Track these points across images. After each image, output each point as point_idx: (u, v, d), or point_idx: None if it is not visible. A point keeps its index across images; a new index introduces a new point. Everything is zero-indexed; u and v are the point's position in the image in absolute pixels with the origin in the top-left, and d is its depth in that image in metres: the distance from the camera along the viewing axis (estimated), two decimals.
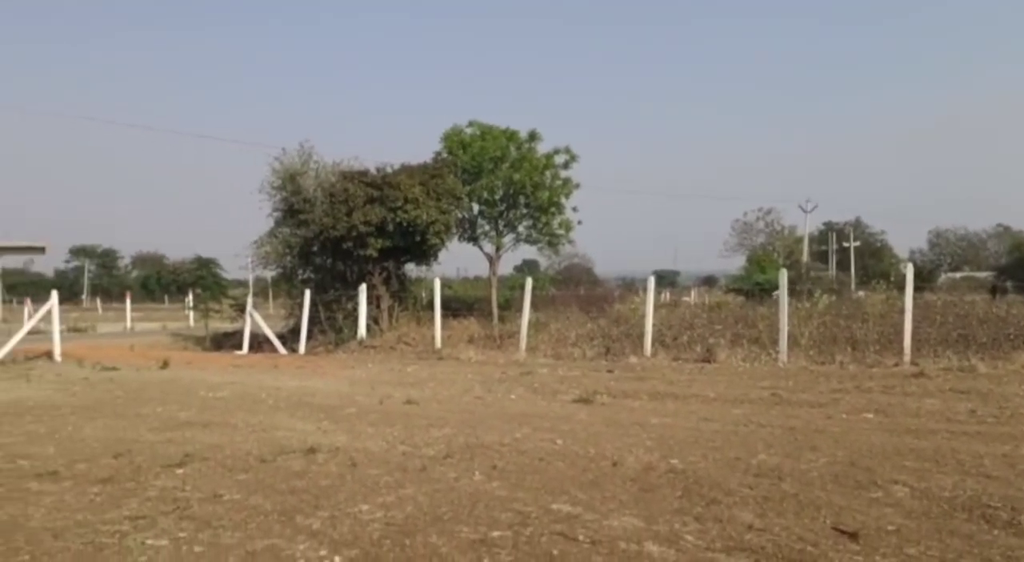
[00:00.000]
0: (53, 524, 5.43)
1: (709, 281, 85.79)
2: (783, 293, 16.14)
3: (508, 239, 25.40)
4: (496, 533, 5.17)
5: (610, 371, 14.76)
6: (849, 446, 7.75)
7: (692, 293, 51.26)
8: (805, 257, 65.74)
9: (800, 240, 70.57)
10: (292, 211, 22.16)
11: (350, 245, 21.11)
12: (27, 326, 19.47)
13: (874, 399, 10.90)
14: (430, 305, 20.60)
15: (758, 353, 16.05)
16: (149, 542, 5.03)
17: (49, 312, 18.62)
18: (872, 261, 78.61)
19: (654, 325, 17.35)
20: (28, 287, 65.38)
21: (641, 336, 17.26)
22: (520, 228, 25.24)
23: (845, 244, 77.10)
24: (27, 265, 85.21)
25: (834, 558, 4.64)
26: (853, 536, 5.01)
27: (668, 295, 45.18)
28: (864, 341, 16.09)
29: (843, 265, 74.21)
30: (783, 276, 16.79)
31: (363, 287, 20.78)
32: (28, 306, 34.29)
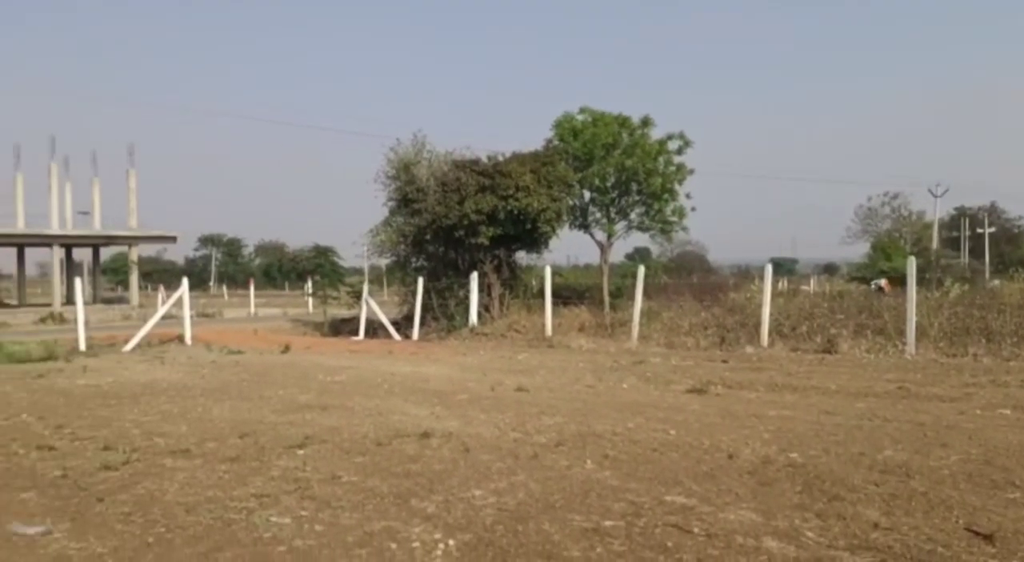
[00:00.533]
0: (186, 499, 5.71)
1: (829, 269, 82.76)
2: (911, 281, 15.38)
3: (620, 226, 25.14)
4: (609, 522, 5.12)
5: (725, 361, 14.43)
6: (984, 443, 7.31)
7: (811, 281, 49.56)
8: (935, 244, 62.47)
9: (929, 226, 67.20)
10: (406, 200, 22.58)
11: (462, 233, 21.36)
12: (160, 312, 20.56)
13: (1011, 394, 10.25)
14: (540, 293, 20.62)
15: (883, 344, 15.36)
16: (273, 519, 5.22)
17: (180, 298, 19.63)
18: (1009, 248, 74.09)
19: (771, 314, 16.85)
20: (161, 274, 69.24)
21: (757, 326, 16.80)
22: (632, 215, 24.93)
23: (979, 230, 72.89)
24: (160, 253, 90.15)
25: (967, 561, 4.38)
26: (988, 538, 4.72)
27: (786, 283, 43.79)
28: (1000, 333, 15.16)
29: (976, 253, 70.25)
30: (911, 264, 16.02)
31: (474, 275, 21.01)
32: (161, 292, 36.26)
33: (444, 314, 21.65)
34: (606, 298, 24.09)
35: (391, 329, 21.26)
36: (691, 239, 69.58)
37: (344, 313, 27.03)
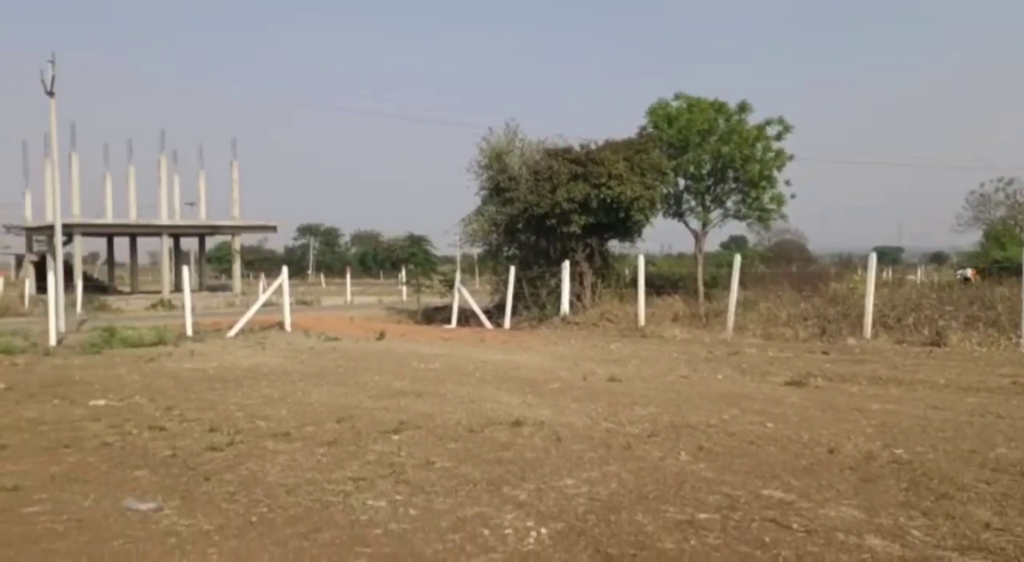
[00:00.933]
0: (286, 480, 5.88)
1: (937, 258, 79.28)
2: None
3: (715, 215, 24.66)
4: (703, 515, 5.03)
5: (825, 353, 13.98)
6: None
7: (918, 271, 47.58)
8: None
9: None
10: (498, 189, 22.65)
11: (554, 222, 21.30)
12: (261, 299, 21.24)
13: None
14: (633, 282, 20.39)
15: (996, 337, 14.60)
16: (369, 503, 5.33)
17: (280, 287, 20.25)
18: None
19: (875, 305, 16.23)
20: (262, 263, 71.57)
21: (860, 316, 16.21)
22: (728, 203, 24.41)
23: None
24: (261, 242, 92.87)
25: None
26: None
27: (890, 273, 42.17)
28: None
29: None
30: None
31: (566, 264, 20.95)
32: (262, 280, 37.45)
33: (536, 303, 21.67)
34: (700, 287, 23.68)
35: (483, 317, 21.42)
36: (790, 227, 67.50)
37: (437, 301, 27.38)
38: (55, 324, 17.08)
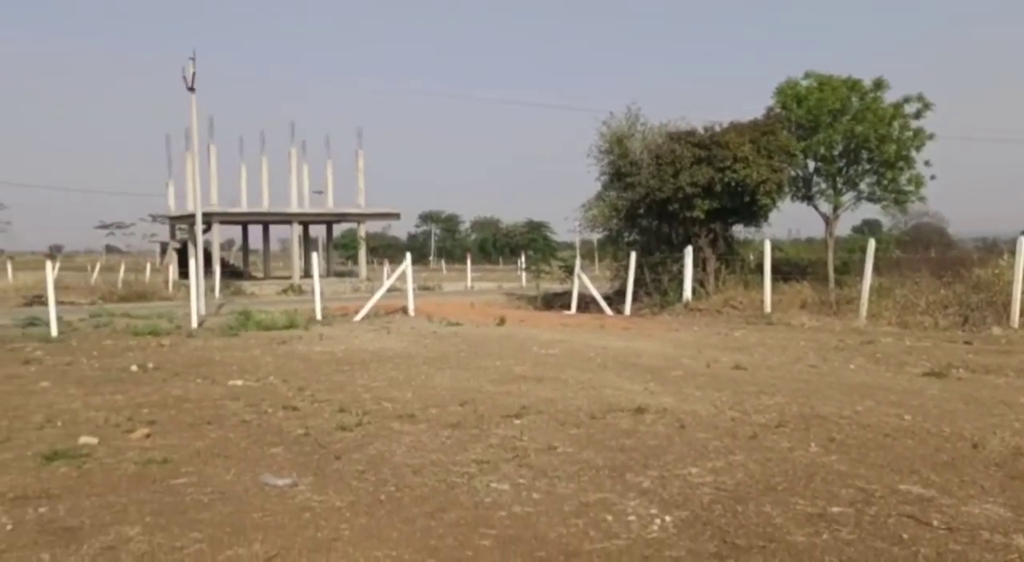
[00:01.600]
0: (412, 461, 6.03)
1: None
2: None
3: (848, 198, 23.57)
4: (836, 509, 4.84)
5: (968, 343, 13.21)
6: None
7: None
8: None
9: None
10: (619, 174, 22.44)
11: (676, 207, 20.94)
12: (386, 285, 21.80)
13: None
14: (759, 268, 19.83)
15: None
16: (493, 485, 5.39)
17: (404, 273, 20.75)
18: None
19: (1023, 292, 15.20)
20: (386, 249, 73.56)
21: (1007, 304, 15.22)
22: (862, 185, 23.27)
23: None
24: (385, 229, 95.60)
25: None
26: None
27: None
28: None
29: None
30: None
31: (689, 249, 20.56)
32: (386, 267, 38.49)
33: (657, 289, 21.39)
34: (831, 273, 22.75)
35: (603, 304, 21.31)
36: (928, 210, 63.90)
37: (556, 287, 27.43)
38: (196, 308, 18.07)
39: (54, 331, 15.59)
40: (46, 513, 4.88)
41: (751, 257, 23.07)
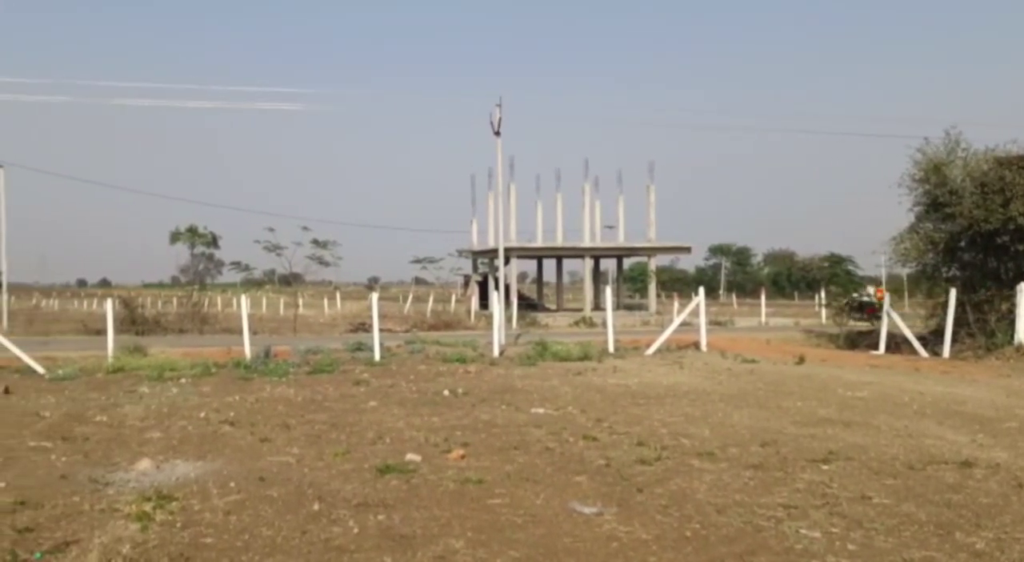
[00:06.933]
0: (715, 500, 5.95)
1: None
2: None
3: None
4: None
5: None
6: None
7: None
8: None
9: None
10: (936, 204, 20.58)
11: (1006, 240, 18.79)
12: (678, 319, 21.67)
13: None
14: None
15: None
16: (803, 532, 5.18)
17: (696, 306, 20.53)
18: None
19: None
20: (674, 283, 73.18)
21: None
22: None
23: None
24: (672, 262, 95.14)
25: None
26: None
27: None
28: None
29: None
30: None
31: (1021, 286, 18.31)
32: (676, 301, 38.30)
33: (982, 330, 19.23)
34: None
35: (916, 344, 19.55)
36: None
37: (861, 325, 25.65)
38: (497, 338, 19.17)
39: (377, 356, 17.33)
40: (384, 520, 5.45)
41: None
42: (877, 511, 5.68)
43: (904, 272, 31.89)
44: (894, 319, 20.58)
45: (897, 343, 20.37)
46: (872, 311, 33.01)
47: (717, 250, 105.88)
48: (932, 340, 19.95)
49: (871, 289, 34.55)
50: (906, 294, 40.13)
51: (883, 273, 48.34)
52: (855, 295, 33.63)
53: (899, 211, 22.16)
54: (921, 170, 20.96)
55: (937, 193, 20.44)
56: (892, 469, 6.98)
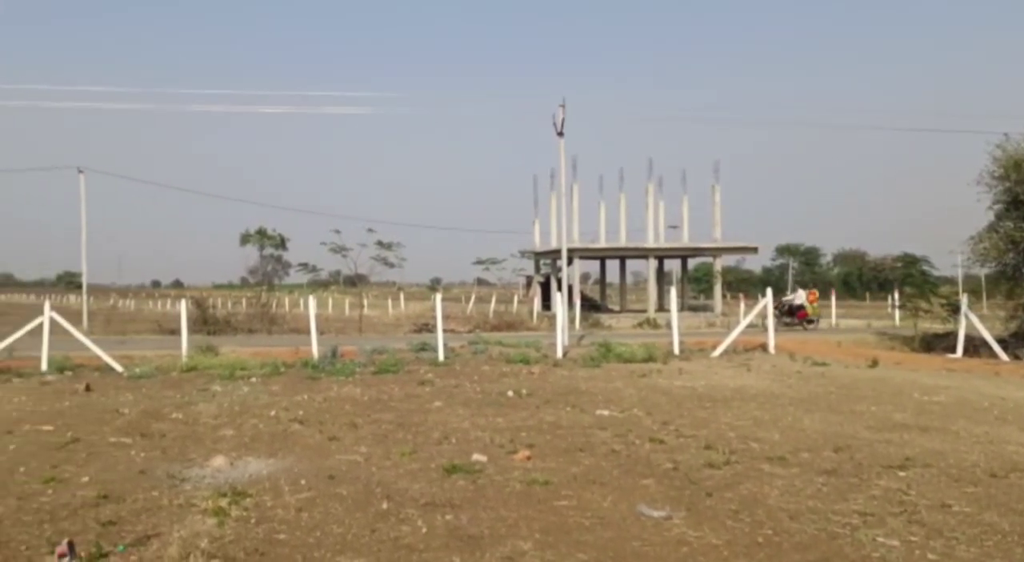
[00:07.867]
0: (787, 506, 5.83)
1: None
2: None
3: None
4: None
5: None
6: None
7: None
8: None
9: None
10: (1016, 202, 19.86)
11: None
12: (745, 320, 21.29)
13: None
14: None
15: None
16: (880, 540, 5.03)
17: (764, 307, 20.16)
18: None
19: None
20: (739, 283, 71.99)
21: None
22: None
23: None
24: (738, 263, 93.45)
25: None
26: None
27: None
28: None
29: None
30: None
31: None
32: (742, 301, 37.68)
33: None
34: None
35: (996, 347, 18.87)
36: None
37: (937, 328, 24.86)
38: (561, 339, 19.11)
39: (440, 356, 17.45)
40: (451, 520, 5.47)
41: None
42: (958, 520, 5.49)
43: (983, 272, 30.87)
44: (972, 321, 19.88)
45: (976, 346, 19.69)
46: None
47: (784, 250, 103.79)
48: (1012, 343, 19.27)
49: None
50: (984, 295, 38.84)
51: (960, 273, 46.75)
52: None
53: (978, 209, 21.45)
54: (1001, 167, 20.27)
55: (1018, 190, 19.76)
56: (972, 476, 6.74)
